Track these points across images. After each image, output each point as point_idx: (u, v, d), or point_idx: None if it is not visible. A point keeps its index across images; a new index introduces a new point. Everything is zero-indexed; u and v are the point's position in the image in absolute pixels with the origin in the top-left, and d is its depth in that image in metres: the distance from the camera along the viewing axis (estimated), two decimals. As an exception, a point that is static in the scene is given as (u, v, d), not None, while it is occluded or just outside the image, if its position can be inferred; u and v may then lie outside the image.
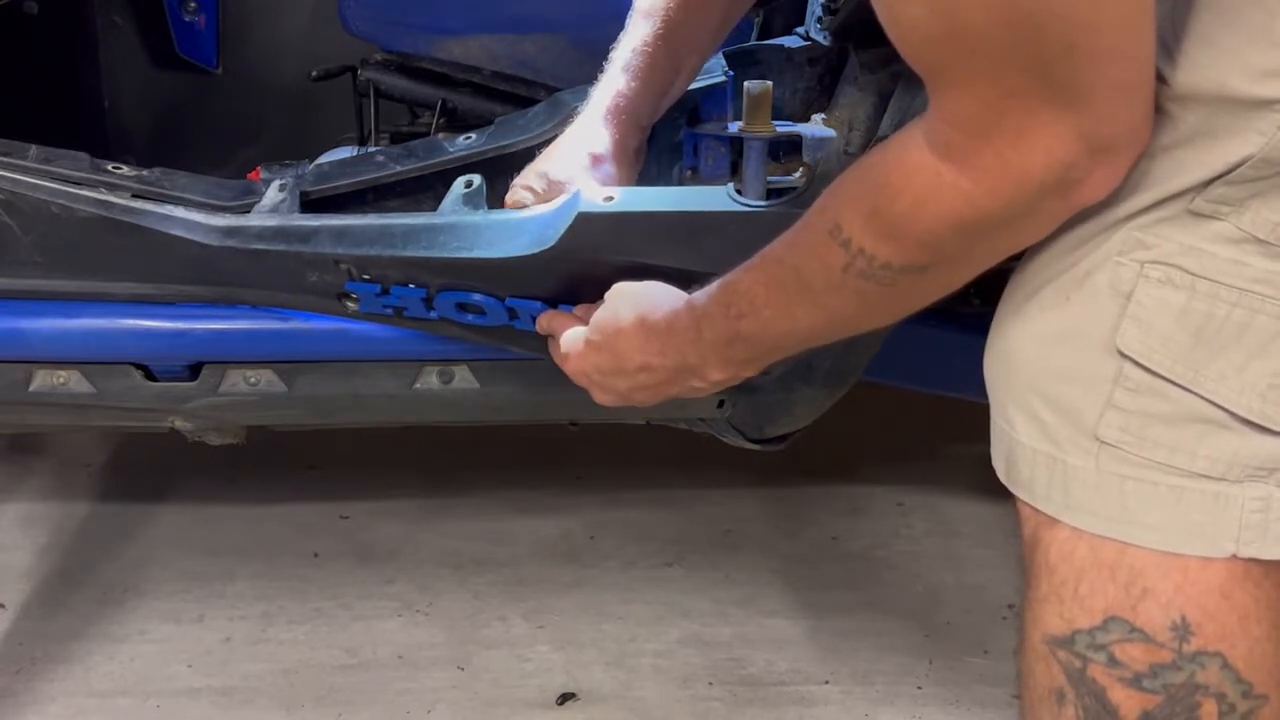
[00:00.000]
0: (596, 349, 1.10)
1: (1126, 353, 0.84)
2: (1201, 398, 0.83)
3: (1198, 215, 0.82)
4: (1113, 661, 0.86)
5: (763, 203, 1.17)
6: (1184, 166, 0.81)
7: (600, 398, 1.14)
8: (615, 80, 1.22)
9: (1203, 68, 0.79)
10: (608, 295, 1.11)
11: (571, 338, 1.14)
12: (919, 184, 0.80)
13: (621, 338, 1.07)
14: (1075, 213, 0.81)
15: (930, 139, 0.79)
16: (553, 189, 1.20)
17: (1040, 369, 0.88)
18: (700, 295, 1.02)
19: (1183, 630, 0.85)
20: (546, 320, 1.21)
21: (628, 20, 1.22)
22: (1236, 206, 0.81)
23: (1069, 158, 0.76)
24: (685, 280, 1.07)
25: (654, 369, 1.07)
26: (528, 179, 1.22)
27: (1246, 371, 0.82)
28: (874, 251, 0.85)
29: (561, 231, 1.16)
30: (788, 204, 1.16)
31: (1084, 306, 0.86)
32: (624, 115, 1.22)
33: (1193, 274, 0.82)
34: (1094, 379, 0.85)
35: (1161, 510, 0.85)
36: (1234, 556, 0.84)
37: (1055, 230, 0.88)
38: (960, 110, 0.77)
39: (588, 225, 1.15)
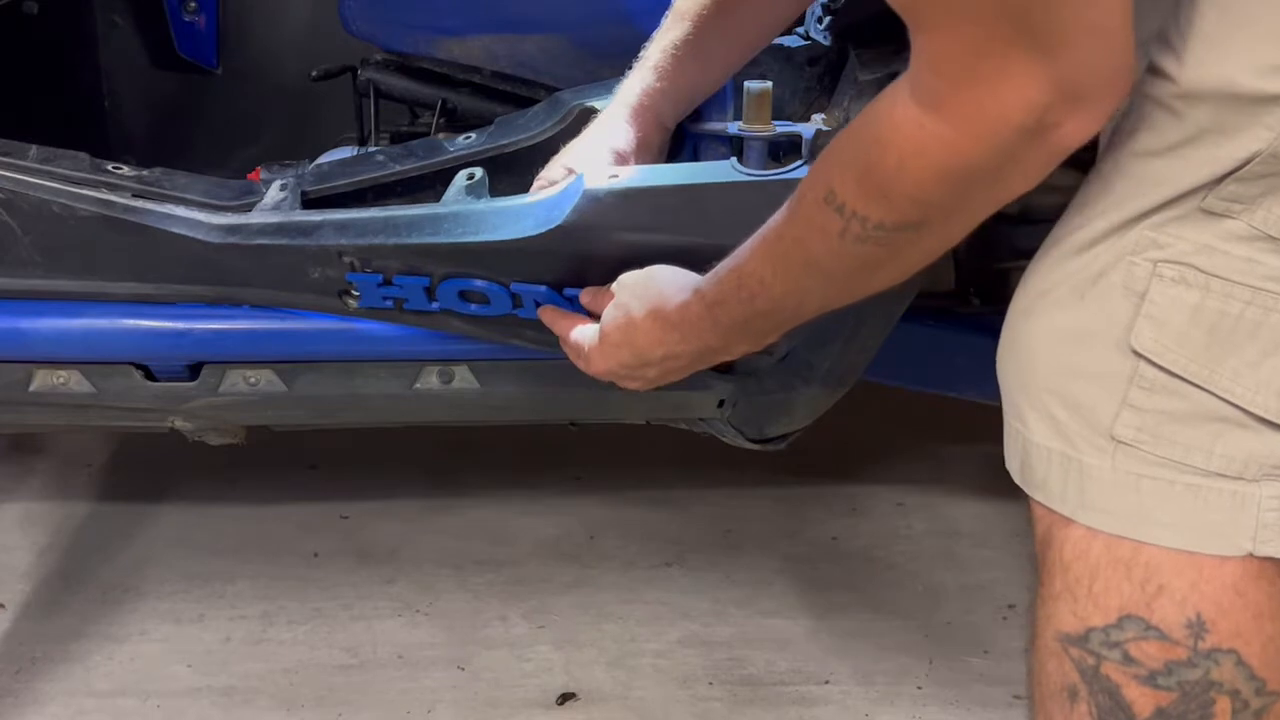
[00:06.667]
0: (616, 347, 1.11)
1: (1141, 351, 0.84)
2: (1217, 396, 0.83)
3: (1210, 214, 0.82)
4: (1127, 659, 0.86)
5: (766, 172, 1.17)
6: (1193, 165, 0.82)
7: (631, 386, 1.15)
8: (644, 78, 1.22)
9: (1209, 65, 0.79)
10: (615, 289, 1.11)
11: (585, 338, 1.14)
12: (904, 138, 0.80)
13: (639, 334, 1.08)
14: (1060, 158, 0.81)
15: (914, 90, 0.80)
16: None
17: (1055, 368, 0.88)
18: (708, 282, 1.02)
19: (1198, 627, 0.85)
20: (549, 317, 1.21)
21: (664, 19, 1.22)
22: (1249, 204, 0.81)
23: (1044, 100, 0.76)
24: (692, 254, 1.08)
25: (678, 355, 1.08)
26: (551, 173, 1.24)
27: (1261, 369, 0.82)
28: (866, 213, 0.85)
29: (568, 211, 1.16)
30: (791, 172, 1.16)
31: (1098, 306, 0.86)
32: (649, 114, 1.23)
33: (1206, 272, 0.82)
34: (1109, 378, 0.85)
35: (1178, 509, 0.85)
36: (1250, 555, 0.84)
37: (1066, 228, 0.89)
38: (940, 55, 0.77)
39: (594, 203, 1.15)
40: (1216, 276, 0.82)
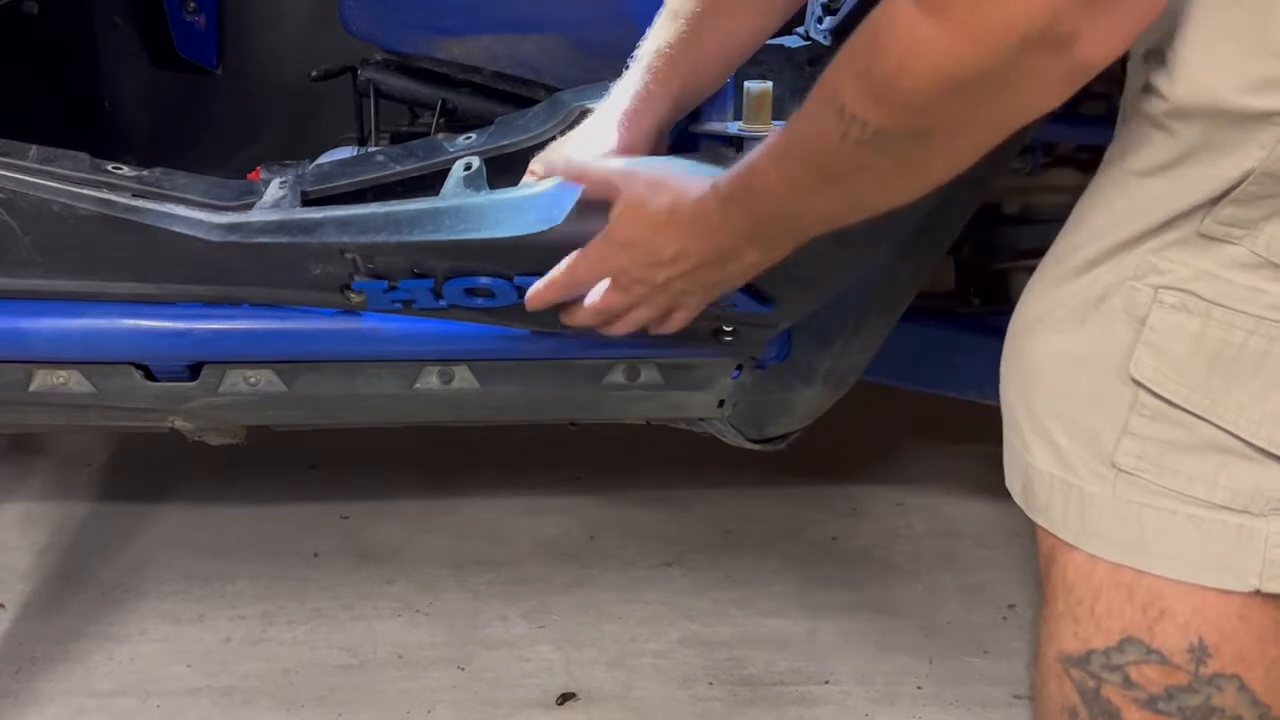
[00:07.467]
0: (625, 246, 1.06)
1: (1140, 380, 0.82)
2: (1219, 428, 0.81)
3: (1210, 238, 0.80)
4: (1128, 683, 0.85)
5: None
6: (1188, 184, 0.80)
7: (640, 314, 1.10)
8: (635, 80, 1.20)
9: (1199, 80, 0.78)
10: (621, 182, 1.06)
11: (582, 254, 1.09)
12: (902, 40, 0.76)
13: (654, 228, 1.03)
14: (1082, 76, 0.75)
15: None
16: None
17: (1057, 393, 0.87)
18: (725, 177, 0.98)
19: (1200, 652, 0.83)
20: (536, 296, 1.16)
21: (656, 18, 1.20)
22: (1250, 229, 0.79)
23: (1055, 7, 0.70)
24: None
25: (689, 255, 1.03)
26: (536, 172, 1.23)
27: (1267, 402, 0.80)
28: (866, 116, 0.81)
29: (568, 209, 1.16)
30: None
31: (1100, 330, 0.84)
32: (638, 118, 1.21)
33: (1207, 300, 0.80)
34: (1110, 405, 0.84)
35: (1181, 540, 0.83)
36: (1258, 592, 0.83)
37: (1065, 247, 0.88)
38: None
39: (594, 200, 1.15)
40: (1218, 305, 0.80)
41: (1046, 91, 0.76)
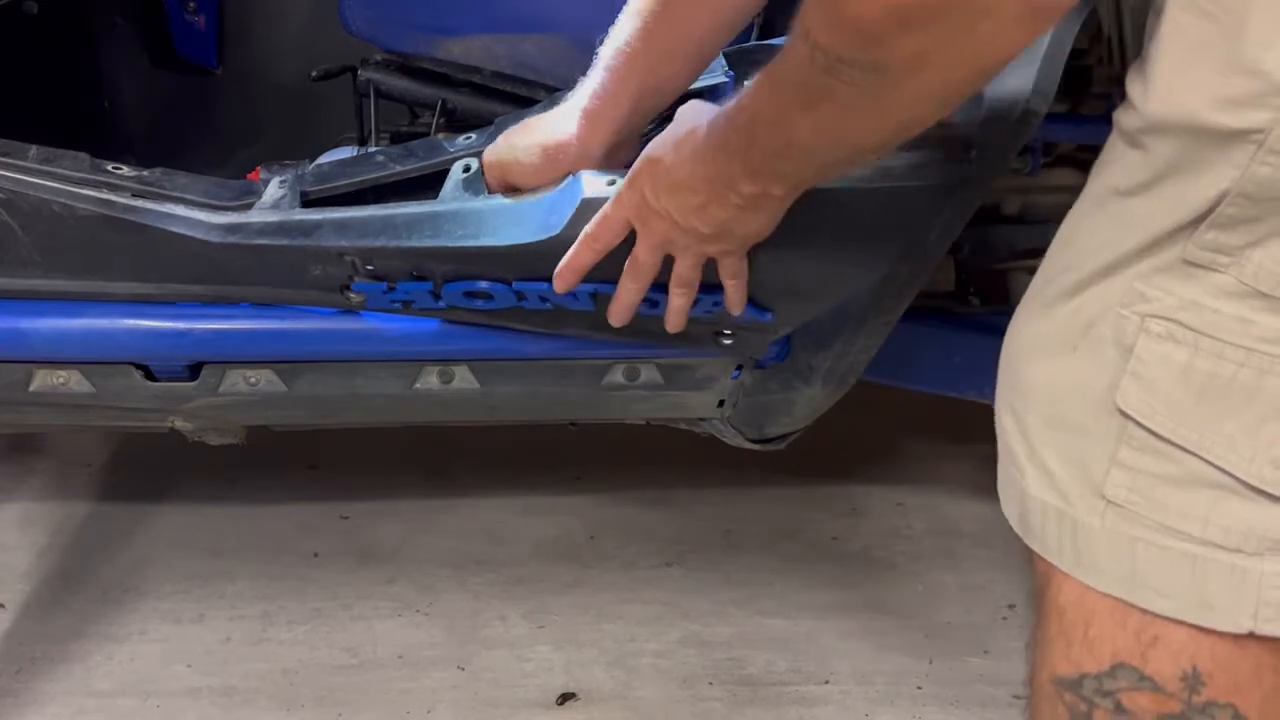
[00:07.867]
0: (652, 172, 1.06)
1: (1127, 411, 0.81)
2: (1209, 463, 0.79)
3: (1195, 265, 0.78)
4: (1119, 709, 0.84)
5: None
6: (1166, 204, 0.79)
7: (683, 269, 1.10)
8: (594, 80, 1.19)
9: (1173, 97, 0.77)
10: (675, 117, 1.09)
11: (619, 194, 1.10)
12: None
13: (674, 145, 1.03)
14: (1040, 19, 0.74)
15: None
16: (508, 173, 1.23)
17: (1051, 421, 0.86)
18: (732, 101, 0.99)
19: (1193, 680, 0.82)
20: (570, 264, 1.16)
21: (619, 16, 1.19)
22: (1236, 257, 0.77)
23: None
24: None
25: (696, 182, 1.02)
26: (487, 157, 1.25)
27: (1258, 436, 0.78)
28: (826, 44, 0.80)
29: (567, 218, 1.17)
30: None
31: (1088, 359, 0.83)
32: (598, 117, 1.19)
33: (1195, 330, 0.78)
34: (1099, 435, 0.83)
35: (1174, 577, 0.82)
36: (1252, 634, 0.81)
37: (1054, 268, 0.87)
38: None
39: (592, 211, 1.15)
40: (1206, 335, 0.78)
41: (1004, 33, 0.75)
